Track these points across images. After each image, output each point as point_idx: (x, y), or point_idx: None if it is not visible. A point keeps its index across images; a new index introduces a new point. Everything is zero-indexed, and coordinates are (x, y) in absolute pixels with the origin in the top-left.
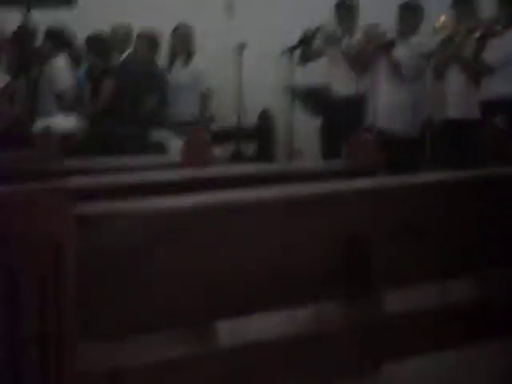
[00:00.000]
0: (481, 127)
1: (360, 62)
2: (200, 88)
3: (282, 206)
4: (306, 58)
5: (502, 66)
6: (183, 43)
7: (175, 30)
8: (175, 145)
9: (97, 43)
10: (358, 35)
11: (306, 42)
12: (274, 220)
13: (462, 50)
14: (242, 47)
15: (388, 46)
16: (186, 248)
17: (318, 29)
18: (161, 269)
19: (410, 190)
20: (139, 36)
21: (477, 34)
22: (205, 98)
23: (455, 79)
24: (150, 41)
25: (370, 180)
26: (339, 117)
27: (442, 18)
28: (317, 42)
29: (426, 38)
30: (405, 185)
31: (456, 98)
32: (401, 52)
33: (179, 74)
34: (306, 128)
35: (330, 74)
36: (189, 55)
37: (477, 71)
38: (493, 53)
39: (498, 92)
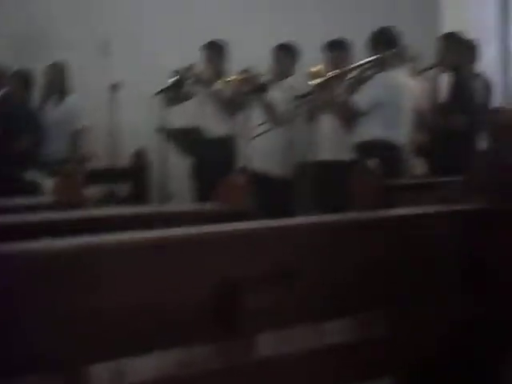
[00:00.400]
0: (352, 169)
1: (231, 104)
2: (73, 127)
3: (153, 248)
4: (175, 100)
5: (373, 109)
6: (57, 81)
7: (49, 67)
8: (48, 185)
9: None
10: (232, 76)
11: (178, 83)
12: (146, 262)
13: (334, 94)
14: (116, 86)
15: (261, 88)
16: (56, 291)
17: (188, 68)
18: (31, 312)
19: (282, 232)
20: (13, 75)
21: (349, 79)
22: (77, 136)
23: (327, 122)
24: (23, 79)
25: (242, 223)
26: (210, 158)
27: (318, 66)
28: (188, 83)
29: (301, 80)
30: (277, 227)
31: (328, 140)
32: (275, 94)
33: (52, 113)
34: (181, 169)
35: (202, 115)
36: (62, 93)
37: (348, 115)
38: (364, 96)
39: (370, 135)
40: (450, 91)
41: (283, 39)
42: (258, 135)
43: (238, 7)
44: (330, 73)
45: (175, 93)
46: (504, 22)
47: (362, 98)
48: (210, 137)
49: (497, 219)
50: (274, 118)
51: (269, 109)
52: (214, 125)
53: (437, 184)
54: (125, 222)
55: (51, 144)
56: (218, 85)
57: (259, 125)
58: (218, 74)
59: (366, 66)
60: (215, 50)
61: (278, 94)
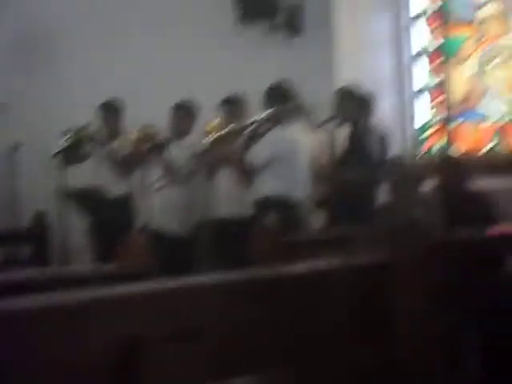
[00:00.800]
0: (250, 226)
1: (127, 162)
2: None
3: (51, 313)
4: (71, 160)
5: (269, 164)
6: None
7: None
8: None
9: None
10: (130, 134)
11: (75, 142)
12: (44, 327)
13: (231, 150)
14: (16, 147)
15: (159, 147)
16: None
17: (83, 128)
18: None
19: (181, 291)
20: None
21: (245, 134)
22: None
23: (226, 179)
24: None
25: (142, 283)
26: (108, 217)
27: (215, 122)
28: (84, 143)
29: (199, 138)
30: (176, 287)
31: (227, 197)
32: (174, 152)
33: None
34: (82, 230)
35: (99, 175)
36: None
37: (245, 171)
38: (260, 152)
39: (267, 190)
40: (347, 144)
41: (181, 96)
42: (157, 189)
43: (133, 65)
44: (226, 129)
45: (72, 153)
46: (400, 74)
47: (258, 153)
48: (108, 196)
49: (395, 272)
50: (173, 175)
51: (168, 167)
52: (112, 184)
53: (335, 238)
54: (26, 285)
55: None
56: (116, 144)
57: (156, 180)
58: (114, 133)
59: (261, 121)
60: (111, 111)
61: (177, 153)
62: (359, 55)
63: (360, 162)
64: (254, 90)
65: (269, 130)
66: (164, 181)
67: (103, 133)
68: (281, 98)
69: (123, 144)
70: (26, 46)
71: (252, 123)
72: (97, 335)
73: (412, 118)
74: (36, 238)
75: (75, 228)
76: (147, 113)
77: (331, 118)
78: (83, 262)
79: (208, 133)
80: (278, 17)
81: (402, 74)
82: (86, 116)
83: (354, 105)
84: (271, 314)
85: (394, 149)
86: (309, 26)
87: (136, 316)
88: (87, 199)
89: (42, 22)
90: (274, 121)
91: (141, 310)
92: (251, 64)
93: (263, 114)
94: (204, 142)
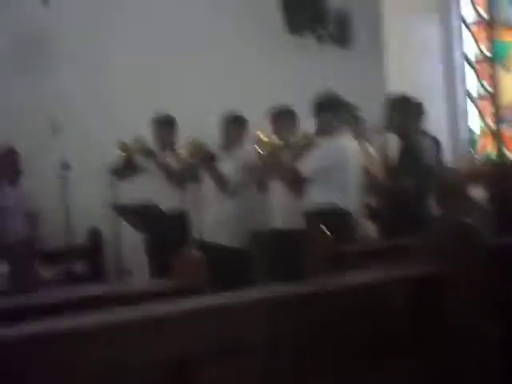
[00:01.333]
0: (303, 237)
1: (180, 176)
2: (26, 209)
3: (108, 330)
4: (123, 174)
5: (321, 174)
6: (9, 164)
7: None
8: (2, 270)
9: None
10: (181, 148)
11: (127, 157)
12: (104, 343)
13: (282, 161)
14: (66, 166)
15: (210, 160)
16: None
17: (136, 141)
18: None
19: (236, 307)
20: None
21: (296, 146)
22: (32, 218)
23: (278, 190)
24: None
25: (198, 299)
26: (163, 232)
27: (265, 133)
28: (137, 157)
29: (250, 149)
30: (232, 302)
31: (280, 208)
32: (225, 165)
33: (6, 196)
34: (136, 245)
35: (152, 189)
36: (15, 176)
37: (296, 182)
38: (311, 162)
39: (319, 201)
40: (398, 154)
41: (231, 108)
42: (210, 207)
43: (182, 78)
44: (277, 140)
45: (125, 167)
46: (450, 81)
47: (309, 164)
48: (163, 211)
49: (447, 284)
50: (226, 188)
51: (220, 179)
52: (166, 198)
53: (389, 248)
54: (82, 303)
55: (4, 227)
56: (168, 158)
57: (211, 197)
58: (168, 146)
59: (311, 131)
60: (165, 124)
61: (228, 165)
62: (409, 63)
63: (412, 171)
64: (303, 100)
65: (319, 140)
66: (217, 194)
67: (157, 146)
68: (330, 109)
69: (176, 157)
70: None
71: (302, 134)
72: (151, 351)
73: (463, 124)
74: (91, 254)
75: (130, 244)
76: (199, 125)
77: (382, 128)
78: (138, 278)
79: (259, 144)
80: (328, 27)
81: (452, 80)
82: (140, 130)
83: (404, 114)
84: (324, 326)
85: (446, 156)
86: (358, 35)
87: (189, 332)
88: (142, 214)
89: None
90: (324, 131)
91: (195, 326)
92: (301, 75)
93: (313, 125)
94: (255, 153)
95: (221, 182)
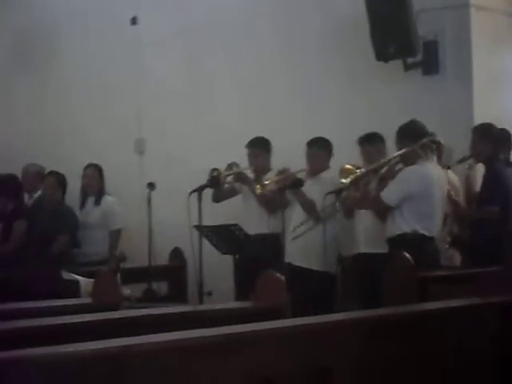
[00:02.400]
0: (388, 262)
1: (271, 201)
2: (110, 227)
3: (192, 349)
4: (218, 197)
5: (405, 202)
6: (94, 183)
7: (86, 169)
8: (86, 285)
9: (7, 183)
10: (270, 174)
11: (215, 181)
12: (182, 364)
13: (367, 189)
14: (151, 186)
15: (296, 185)
16: None
17: (230, 166)
18: None
19: (319, 329)
20: (47, 176)
21: (380, 174)
22: (115, 237)
23: (363, 217)
24: (57, 180)
25: (279, 321)
26: (252, 255)
27: (347, 166)
28: (228, 181)
29: (335, 175)
30: (314, 325)
31: (365, 234)
32: (313, 190)
33: (90, 214)
34: (218, 267)
35: (245, 212)
36: (100, 194)
37: (381, 209)
38: (395, 190)
39: (404, 227)
40: (483, 182)
41: (318, 133)
42: (298, 236)
43: (269, 105)
44: (362, 169)
45: (216, 191)
46: None
47: (394, 190)
48: (246, 232)
49: None
50: (314, 214)
51: (308, 205)
52: (256, 222)
53: (472, 276)
54: (163, 322)
55: (88, 244)
56: (258, 187)
57: (299, 225)
58: (264, 169)
59: (396, 159)
60: (262, 146)
61: (314, 189)
62: (497, 92)
63: (495, 200)
64: (390, 128)
65: (403, 168)
66: (305, 221)
67: (253, 169)
68: (412, 137)
69: (268, 182)
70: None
71: (387, 161)
72: (231, 372)
73: None
74: (174, 273)
75: (211, 264)
76: (286, 151)
77: (468, 156)
78: (219, 299)
79: (343, 172)
80: (416, 55)
81: None
82: (226, 154)
83: (490, 142)
84: (407, 350)
85: None
86: (447, 64)
87: (271, 354)
88: (229, 236)
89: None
90: (408, 159)
91: (276, 349)
92: (388, 102)
93: (397, 153)
94: (341, 180)
95: (310, 207)
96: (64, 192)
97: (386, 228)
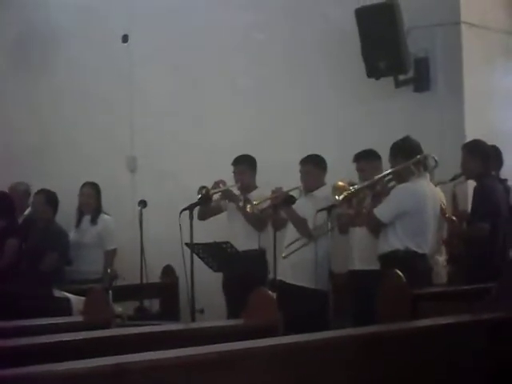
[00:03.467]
0: (380, 279)
1: (259, 219)
2: (105, 247)
3: (184, 367)
4: (204, 215)
5: (398, 218)
6: (91, 201)
7: (82, 187)
8: (78, 303)
9: None
10: (256, 191)
11: (205, 199)
12: (174, 381)
13: (361, 206)
14: (143, 204)
15: (288, 202)
16: None
17: (217, 183)
18: None
19: (310, 347)
20: (37, 194)
21: (374, 191)
22: (110, 256)
23: (358, 234)
24: (47, 198)
25: (271, 339)
26: (241, 272)
27: (339, 183)
28: (216, 198)
29: (328, 192)
30: (305, 342)
31: (359, 251)
32: (307, 207)
33: (86, 233)
34: (210, 284)
35: (231, 229)
36: (96, 213)
37: (374, 226)
38: (388, 207)
39: (396, 244)
40: (474, 199)
41: (310, 150)
42: (289, 254)
43: (261, 121)
44: (355, 186)
45: (202, 209)
46: None
47: (387, 207)
48: (237, 250)
49: None
50: (306, 231)
51: (299, 222)
52: (245, 238)
53: (463, 293)
54: (155, 340)
55: (82, 263)
56: (249, 206)
57: (291, 243)
58: (250, 187)
59: (389, 176)
60: (247, 163)
61: (308, 207)
62: (488, 110)
63: (485, 217)
64: (382, 144)
65: (396, 185)
66: (297, 240)
67: (239, 187)
68: (405, 154)
69: (256, 199)
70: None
71: (381, 178)
72: None
73: None
74: (165, 291)
75: (203, 282)
76: (278, 168)
77: (459, 174)
78: (211, 316)
79: (336, 189)
80: (407, 72)
81: None
82: (217, 171)
83: (479, 160)
84: (399, 367)
85: None
86: (438, 81)
87: (262, 371)
88: (219, 253)
89: None
90: (401, 176)
91: (267, 367)
92: (380, 118)
93: (391, 170)
94: (335, 198)
95: (299, 224)
96: (55, 210)
97: (378, 245)
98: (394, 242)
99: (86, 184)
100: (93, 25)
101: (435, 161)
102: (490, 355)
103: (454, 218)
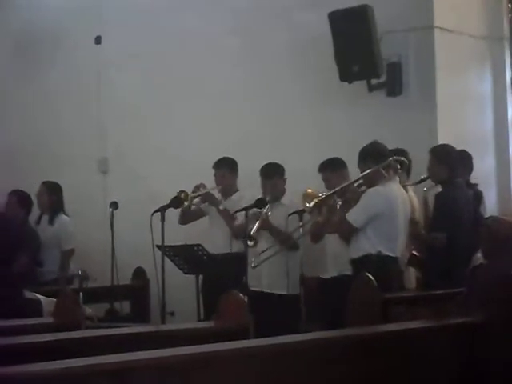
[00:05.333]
0: (351, 284)
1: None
2: (62, 247)
3: (154, 369)
4: (185, 219)
5: (370, 222)
6: (43, 201)
7: (42, 186)
8: (49, 305)
9: None
10: (237, 194)
11: (177, 201)
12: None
13: (331, 212)
14: (114, 205)
15: (260, 204)
16: None
17: (197, 187)
18: None
19: (281, 350)
20: (9, 194)
21: (343, 197)
22: (66, 257)
23: (331, 240)
24: (19, 199)
25: (242, 341)
26: (216, 274)
27: (309, 190)
28: (195, 202)
29: (294, 199)
30: (277, 344)
31: (332, 257)
32: (274, 216)
33: (43, 232)
34: (181, 286)
35: (209, 232)
36: (53, 213)
37: (345, 231)
38: (359, 211)
39: (368, 248)
40: (434, 207)
41: (278, 158)
42: (259, 263)
43: (233, 127)
44: (325, 193)
45: (183, 212)
46: (501, 134)
47: (358, 212)
48: (209, 252)
49: (495, 332)
50: (278, 236)
51: (277, 233)
52: (220, 242)
53: (434, 298)
54: (125, 342)
55: (45, 263)
56: (228, 201)
57: (264, 251)
58: (231, 190)
59: (359, 181)
60: (228, 166)
61: (274, 215)
62: (461, 115)
63: (444, 226)
64: (354, 148)
65: (366, 190)
66: (268, 240)
67: (219, 190)
68: (377, 158)
69: (235, 202)
70: None
71: (351, 184)
72: None
73: None
74: (136, 293)
75: (174, 285)
76: (247, 174)
77: (425, 178)
78: (181, 319)
79: (306, 196)
80: (380, 77)
81: (504, 130)
82: (191, 173)
83: (446, 165)
84: (368, 372)
85: (496, 206)
86: (410, 86)
87: (232, 374)
88: (192, 256)
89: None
90: (371, 180)
91: (237, 369)
92: (352, 122)
93: (361, 174)
94: (305, 205)
95: (273, 230)
96: (28, 211)
97: (350, 249)
98: (366, 246)
99: (42, 183)
100: (65, 26)
101: (406, 162)
102: (458, 360)
103: (417, 221)
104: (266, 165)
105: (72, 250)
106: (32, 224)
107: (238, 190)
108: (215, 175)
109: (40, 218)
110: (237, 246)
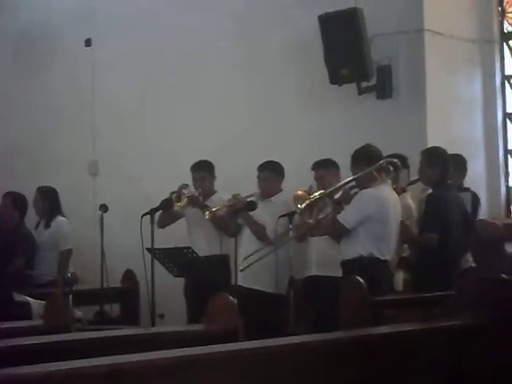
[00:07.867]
0: (341, 285)
1: (223, 223)
2: (59, 248)
3: (144, 372)
4: (163, 223)
5: (361, 224)
6: (38, 205)
7: (38, 191)
8: (38, 308)
9: None
10: (215, 196)
11: (167, 204)
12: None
13: (322, 213)
14: (104, 208)
15: (249, 208)
16: None
17: (181, 188)
18: None
19: (271, 352)
20: (4, 196)
21: (335, 198)
22: (64, 257)
23: (317, 240)
24: (14, 201)
25: (231, 344)
26: (203, 277)
27: (299, 192)
28: (179, 204)
29: (287, 199)
30: (266, 347)
31: (318, 257)
32: (264, 213)
33: (41, 235)
34: (170, 289)
35: (190, 235)
36: (49, 216)
37: (337, 232)
38: (351, 213)
39: (358, 250)
40: (425, 209)
41: (270, 157)
42: (247, 266)
43: (223, 129)
44: (316, 194)
45: (166, 213)
46: (492, 134)
47: (350, 213)
48: (198, 255)
49: (485, 335)
50: (265, 238)
51: (258, 229)
52: (206, 244)
53: (424, 300)
54: (114, 344)
55: (39, 266)
56: (207, 213)
57: (250, 255)
58: (210, 192)
59: (351, 183)
60: (207, 169)
61: (265, 212)
62: (451, 117)
63: (435, 227)
64: (344, 151)
65: (357, 192)
66: (256, 241)
67: (199, 193)
68: (370, 160)
69: (216, 204)
70: None
71: (342, 185)
72: None
73: (503, 181)
74: (126, 296)
75: (163, 287)
76: (238, 174)
77: (416, 180)
78: (171, 321)
79: (299, 198)
80: (370, 80)
81: (494, 134)
82: (178, 175)
83: (436, 167)
84: (359, 374)
85: (486, 209)
86: (400, 88)
87: (221, 376)
88: (180, 258)
89: None
90: (363, 183)
91: (226, 371)
92: (342, 125)
93: (353, 176)
94: (297, 206)
95: (258, 231)
96: (23, 213)
97: (341, 251)
98: (358, 247)
99: (36, 189)
100: (57, 28)
101: (399, 165)
102: (448, 362)
103: (407, 223)
104: (266, 160)
105: (70, 250)
106: (29, 227)
107: (215, 192)
108: (194, 178)
109: (38, 223)
110: (225, 248)
